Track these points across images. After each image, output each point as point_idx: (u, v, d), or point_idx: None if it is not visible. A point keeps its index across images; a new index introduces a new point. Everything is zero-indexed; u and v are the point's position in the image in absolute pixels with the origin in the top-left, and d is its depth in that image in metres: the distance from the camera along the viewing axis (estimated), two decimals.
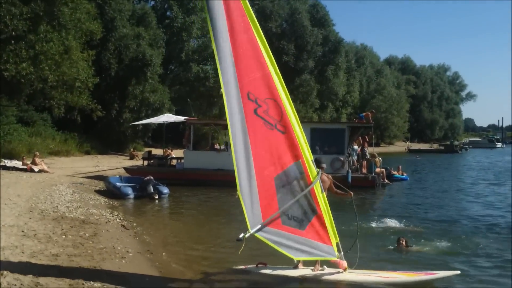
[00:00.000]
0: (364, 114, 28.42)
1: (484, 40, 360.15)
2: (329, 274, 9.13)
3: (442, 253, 11.40)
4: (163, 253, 10.90)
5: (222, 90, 8.49)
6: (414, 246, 11.79)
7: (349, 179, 23.40)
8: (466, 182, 30.37)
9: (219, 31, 8.53)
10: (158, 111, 38.46)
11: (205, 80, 47.12)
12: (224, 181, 23.88)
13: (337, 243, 9.08)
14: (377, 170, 25.59)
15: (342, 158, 24.41)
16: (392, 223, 14.81)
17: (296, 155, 8.78)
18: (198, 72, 47.38)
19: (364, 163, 25.84)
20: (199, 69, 47.68)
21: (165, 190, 20.25)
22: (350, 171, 23.97)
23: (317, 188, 8.94)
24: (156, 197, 19.50)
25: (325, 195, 9.14)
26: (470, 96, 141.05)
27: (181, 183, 23.68)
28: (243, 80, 8.52)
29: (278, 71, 8.83)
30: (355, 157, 25.24)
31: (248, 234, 8.20)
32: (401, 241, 11.77)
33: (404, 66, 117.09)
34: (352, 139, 25.48)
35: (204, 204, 19.67)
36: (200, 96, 47.80)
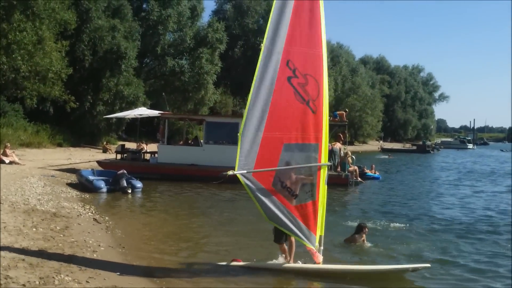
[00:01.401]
0: (338, 112, 28.64)
1: (459, 41, 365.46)
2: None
3: (410, 250, 11.55)
4: (136, 247, 10.86)
5: (263, 44, 8.86)
6: (368, 243, 11.84)
7: None
8: (434, 182, 30.81)
9: None
10: (132, 105, 38.10)
11: (181, 75, 46.88)
12: (198, 176, 23.96)
13: (320, 236, 9.28)
14: (350, 168, 25.78)
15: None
16: (363, 220, 14.94)
17: (317, 137, 9.17)
18: (173, 66, 47.10)
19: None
20: (174, 63, 47.40)
21: (139, 184, 20.13)
22: None
23: (323, 177, 9.25)
24: (129, 191, 19.37)
25: (325, 188, 9.33)
26: (443, 97, 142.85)
27: (155, 177, 23.59)
28: (288, 48, 8.91)
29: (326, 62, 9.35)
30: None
31: (231, 173, 8.43)
32: (364, 230, 11.80)
33: (379, 66, 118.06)
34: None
35: (177, 199, 19.62)
36: (175, 90, 47.57)
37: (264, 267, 9.39)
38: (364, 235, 11.81)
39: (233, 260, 9.62)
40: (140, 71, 46.05)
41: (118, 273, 8.63)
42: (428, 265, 9.42)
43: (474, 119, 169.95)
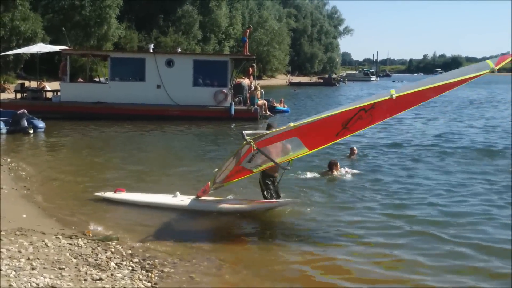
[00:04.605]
0: (243, 33, 29.18)
1: None
2: (179, 200, 9.29)
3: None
4: (40, 189, 10.50)
5: None
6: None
7: (232, 111, 23.72)
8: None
9: None
10: (30, 41, 36.03)
11: (81, 9, 44.60)
12: (104, 114, 23.31)
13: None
14: (259, 102, 25.98)
15: (225, 90, 24.53)
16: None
17: None
18: None
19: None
20: None
21: (41, 124, 19.35)
22: (233, 103, 24.19)
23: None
24: (31, 131, 18.60)
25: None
26: (347, 31, 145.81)
27: (58, 117, 22.66)
28: None
29: None
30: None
31: None
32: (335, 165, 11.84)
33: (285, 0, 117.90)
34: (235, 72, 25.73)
35: (83, 138, 19.04)
36: (76, 25, 45.23)
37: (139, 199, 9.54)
38: (337, 170, 11.86)
39: (116, 190, 9.80)
40: (37, 5, 43.28)
41: (24, 215, 8.35)
42: (298, 200, 9.29)
43: (377, 52, 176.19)
